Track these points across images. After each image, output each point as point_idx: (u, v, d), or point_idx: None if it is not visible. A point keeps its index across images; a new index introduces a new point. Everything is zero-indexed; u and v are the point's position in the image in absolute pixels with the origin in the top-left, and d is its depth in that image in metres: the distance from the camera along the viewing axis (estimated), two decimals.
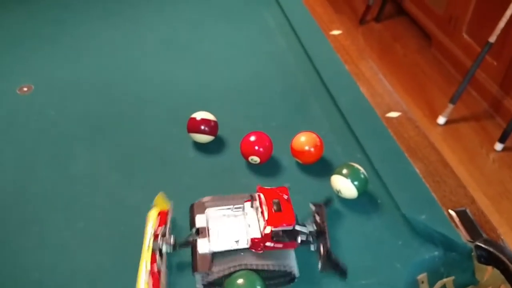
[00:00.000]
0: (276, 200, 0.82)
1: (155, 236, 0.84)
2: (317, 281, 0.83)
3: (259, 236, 0.80)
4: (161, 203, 0.89)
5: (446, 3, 2.78)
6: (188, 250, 0.84)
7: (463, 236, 0.84)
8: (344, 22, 3.26)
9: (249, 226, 0.83)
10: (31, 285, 0.84)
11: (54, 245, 0.90)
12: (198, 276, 0.81)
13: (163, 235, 0.84)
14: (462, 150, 2.41)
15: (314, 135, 1.03)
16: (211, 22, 1.52)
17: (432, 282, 0.86)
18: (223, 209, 0.87)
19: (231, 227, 0.84)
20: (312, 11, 1.46)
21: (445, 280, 0.86)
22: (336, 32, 1.36)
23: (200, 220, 0.86)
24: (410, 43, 3.10)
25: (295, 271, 0.81)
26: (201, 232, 0.83)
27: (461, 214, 0.87)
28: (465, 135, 2.50)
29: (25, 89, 1.26)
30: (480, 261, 0.82)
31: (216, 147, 1.09)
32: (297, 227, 0.81)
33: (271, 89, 1.26)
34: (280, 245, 0.81)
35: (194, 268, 0.81)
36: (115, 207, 0.97)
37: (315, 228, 0.85)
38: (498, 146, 2.36)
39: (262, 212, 0.82)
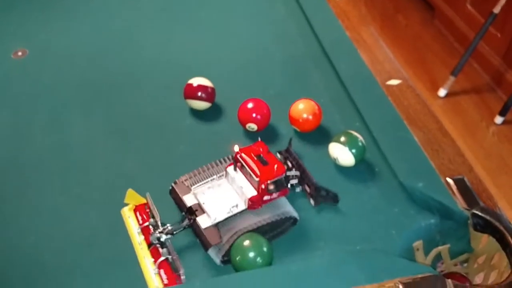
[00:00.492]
0: (259, 156, 0.85)
1: (144, 231, 0.83)
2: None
3: (255, 194, 0.82)
4: (133, 199, 0.87)
5: None
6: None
7: (460, 203, 0.83)
8: None
9: (242, 187, 0.83)
10: (27, 248, 0.84)
11: (49, 209, 0.90)
12: (213, 253, 0.81)
13: (155, 227, 0.82)
14: (462, 123, 2.39)
15: (312, 103, 1.02)
16: None
17: (427, 249, 0.86)
18: (208, 181, 0.87)
19: (222, 195, 0.85)
20: None
21: (440, 248, 0.86)
22: None
23: (189, 200, 0.85)
24: (413, 14, 3.04)
25: (295, 214, 0.85)
26: (196, 210, 0.83)
27: (459, 182, 0.86)
28: (466, 108, 2.48)
29: (20, 53, 1.24)
30: (476, 229, 0.82)
31: (213, 114, 1.08)
32: (287, 173, 0.86)
33: (270, 57, 1.24)
34: (275, 195, 0.84)
35: (207, 245, 0.80)
36: (110, 174, 0.96)
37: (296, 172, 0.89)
38: (498, 120, 2.35)
39: (252, 170, 0.83)
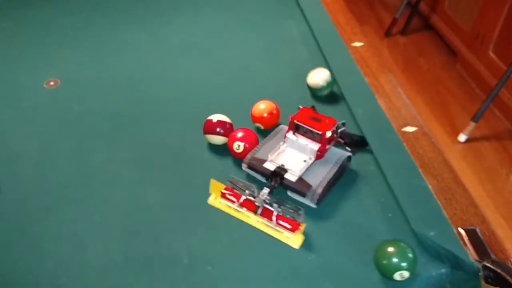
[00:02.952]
0: (310, 116, 1.04)
1: (243, 205, 0.95)
2: None
3: (319, 145, 1.02)
4: (216, 188, 0.98)
5: (473, 20, 2.76)
6: None
7: (471, 255, 0.84)
8: (369, 34, 3.26)
9: (306, 144, 1.03)
10: (46, 273, 0.87)
11: (69, 236, 0.93)
12: (308, 199, 0.97)
13: (254, 194, 0.96)
14: (481, 169, 2.38)
15: (271, 103, 1.15)
16: (234, 30, 1.55)
17: None
18: (279, 148, 1.05)
19: (294, 155, 1.04)
20: (335, 22, 1.47)
21: None
22: (357, 44, 1.37)
23: (269, 166, 1.01)
24: (434, 58, 3.08)
25: (348, 153, 1.05)
26: (279, 171, 0.99)
27: (471, 233, 0.87)
28: (486, 154, 2.46)
29: (52, 83, 1.30)
30: (487, 282, 0.82)
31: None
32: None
33: (289, 96, 1.27)
34: (332, 143, 1.05)
35: (304, 193, 0.97)
36: (129, 204, 1.00)
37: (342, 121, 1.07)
38: None
39: (312, 127, 1.02)
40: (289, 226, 0.92)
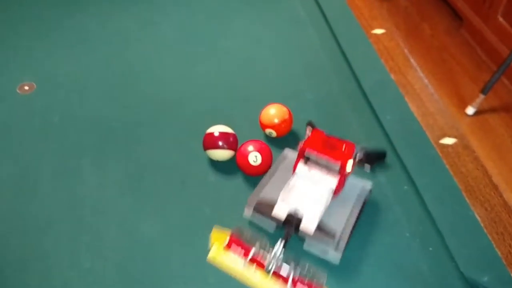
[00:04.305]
0: (325, 141, 0.84)
1: (253, 261, 0.78)
2: None
3: (336, 179, 0.82)
4: (219, 237, 0.81)
5: None
6: None
7: None
8: None
9: (321, 178, 0.82)
10: None
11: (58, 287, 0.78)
12: (331, 254, 0.79)
13: (265, 249, 0.79)
14: (491, 144, 2.26)
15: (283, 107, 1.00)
16: (235, 11, 1.35)
17: None
18: (288, 185, 0.83)
19: (307, 193, 0.82)
20: (349, 2, 1.28)
21: None
22: (379, 31, 1.19)
23: (281, 211, 0.80)
24: (439, 23, 2.89)
25: (369, 185, 0.88)
26: (293, 220, 0.79)
27: None
28: (495, 127, 2.34)
29: (26, 87, 1.11)
30: None
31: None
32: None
33: (302, 97, 1.11)
34: (351, 172, 0.85)
35: (326, 247, 0.79)
36: (125, 242, 0.85)
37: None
38: None
39: (327, 159, 0.82)
40: None
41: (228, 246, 0.80)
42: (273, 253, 0.76)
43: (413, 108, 1.01)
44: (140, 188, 0.93)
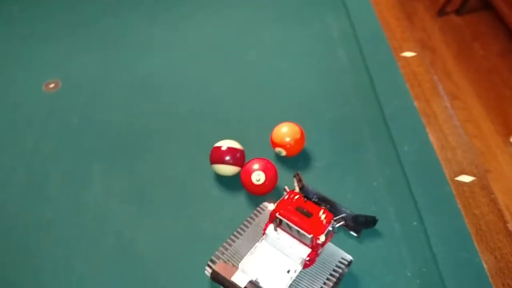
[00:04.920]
0: (299, 207, 0.76)
1: None
2: None
3: (308, 251, 0.74)
4: None
5: None
6: None
7: None
8: (419, 11, 2.94)
9: (291, 247, 0.75)
10: None
11: None
12: None
13: None
14: None
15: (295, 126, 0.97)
16: (266, 26, 1.32)
17: None
18: (255, 249, 0.76)
19: (273, 262, 0.75)
20: (383, 22, 1.24)
21: None
22: (408, 54, 1.14)
23: (240, 279, 0.72)
24: (492, 44, 2.76)
25: (349, 256, 0.79)
26: None
27: None
28: None
29: (52, 85, 1.15)
30: None
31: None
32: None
33: (320, 116, 1.08)
34: (326, 243, 0.77)
35: None
36: (121, 251, 0.85)
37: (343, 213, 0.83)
38: None
39: (300, 227, 0.74)
40: None
41: None
42: None
43: (432, 139, 0.96)
44: (142, 200, 0.94)
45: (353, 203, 0.91)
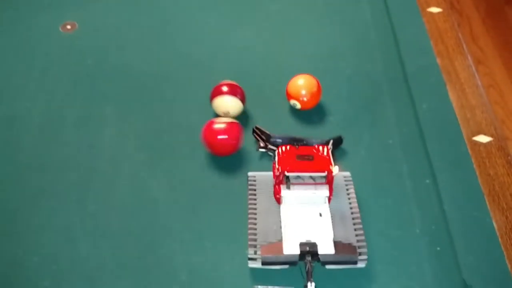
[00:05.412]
0: (299, 156, 0.78)
1: None
2: None
3: (327, 186, 0.77)
4: None
5: None
6: None
7: None
8: None
9: (314, 193, 0.76)
10: (29, 270, 0.77)
11: (60, 227, 0.82)
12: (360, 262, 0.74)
13: None
14: None
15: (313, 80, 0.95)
16: None
17: None
18: (283, 222, 0.75)
19: (307, 216, 0.76)
20: None
21: None
22: (435, 10, 1.10)
23: (291, 248, 0.72)
24: None
25: (346, 172, 0.84)
26: (308, 250, 0.72)
27: None
28: None
29: (69, 26, 1.14)
30: None
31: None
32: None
33: (339, 71, 1.05)
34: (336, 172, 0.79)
35: (354, 260, 0.73)
36: (132, 195, 0.86)
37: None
38: None
39: (313, 172, 0.76)
40: None
41: None
42: None
43: (452, 97, 0.93)
44: (156, 145, 0.94)
45: (366, 160, 0.90)
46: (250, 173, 0.84)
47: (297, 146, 0.80)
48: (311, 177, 0.77)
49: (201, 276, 0.76)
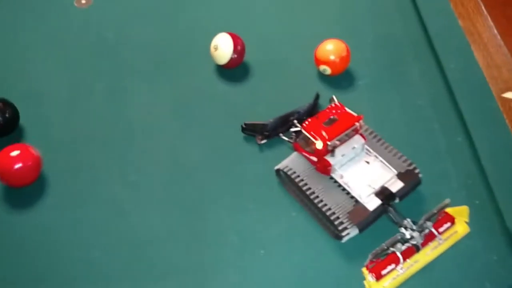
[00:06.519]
0: (325, 122, 0.79)
1: (406, 255, 0.71)
2: None
3: (359, 135, 0.80)
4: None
5: None
6: None
7: None
8: None
9: (354, 148, 0.79)
10: (76, 245, 0.77)
11: (104, 198, 0.82)
12: None
13: (401, 239, 0.72)
14: None
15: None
16: None
17: None
18: (347, 185, 0.78)
19: (358, 168, 0.79)
20: None
21: None
22: None
23: (371, 202, 0.75)
24: None
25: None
26: (384, 194, 0.76)
27: None
28: None
29: (84, 1, 1.12)
30: None
31: (283, 100, 0.93)
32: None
33: (362, 35, 1.06)
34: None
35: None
36: (170, 163, 0.87)
37: None
38: None
39: (347, 130, 0.78)
40: (449, 224, 0.74)
41: (378, 275, 0.70)
42: (409, 236, 0.71)
43: (478, 58, 0.95)
44: (187, 114, 0.94)
45: (398, 121, 0.92)
46: (279, 166, 0.81)
47: (317, 116, 0.81)
48: (347, 134, 0.79)
49: (251, 237, 0.77)
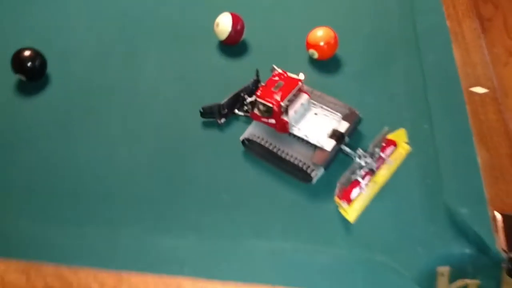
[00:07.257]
0: (274, 87, 0.90)
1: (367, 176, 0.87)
2: None
3: (304, 93, 0.93)
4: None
5: None
6: None
7: (500, 243, 0.76)
8: None
9: (302, 104, 0.91)
10: (76, 167, 0.93)
11: (103, 138, 0.97)
12: None
13: (364, 166, 0.86)
14: None
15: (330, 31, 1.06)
16: None
17: (453, 277, 0.81)
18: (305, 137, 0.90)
19: (312, 119, 0.92)
20: None
21: (468, 281, 0.80)
22: None
23: (327, 145, 0.88)
24: None
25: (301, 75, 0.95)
26: (337, 136, 0.89)
27: (507, 220, 0.78)
28: None
29: None
30: (509, 275, 0.75)
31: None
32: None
33: (357, 29, 1.17)
34: None
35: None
36: (166, 117, 1.01)
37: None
38: None
39: (293, 89, 0.90)
40: (392, 147, 0.90)
41: (348, 200, 0.83)
42: (364, 162, 0.85)
43: (457, 56, 1.03)
44: (188, 81, 1.08)
45: (372, 105, 1.00)
46: (244, 136, 0.92)
47: (265, 84, 0.92)
48: (295, 94, 0.90)
49: (217, 183, 0.89)
